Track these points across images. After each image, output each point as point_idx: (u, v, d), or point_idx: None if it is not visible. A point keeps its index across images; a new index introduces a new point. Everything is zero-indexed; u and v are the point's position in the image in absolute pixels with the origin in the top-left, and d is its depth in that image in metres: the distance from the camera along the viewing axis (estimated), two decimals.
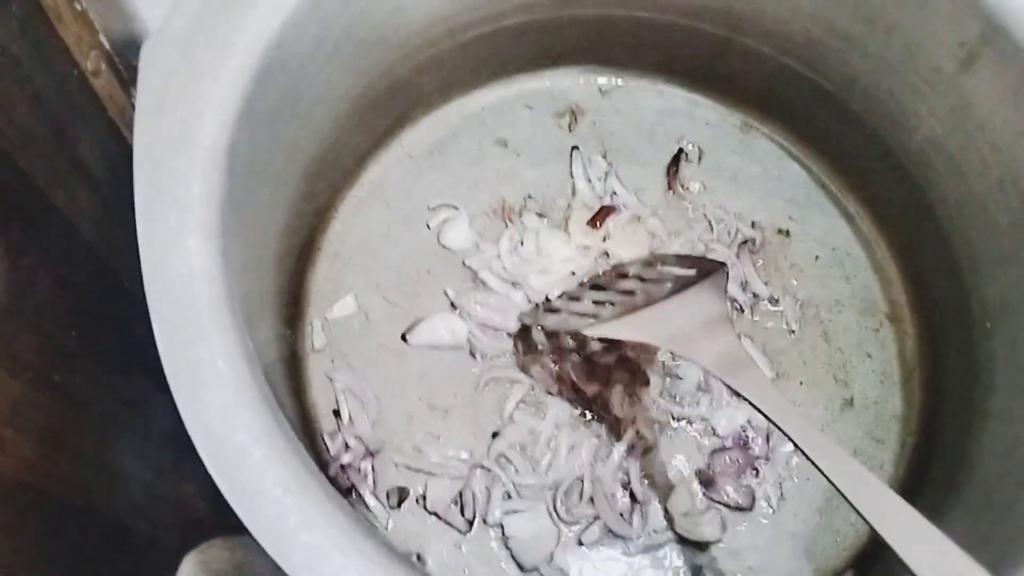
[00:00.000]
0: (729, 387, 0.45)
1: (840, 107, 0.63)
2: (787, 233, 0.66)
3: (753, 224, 0.66)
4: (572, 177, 0.66)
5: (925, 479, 0.58)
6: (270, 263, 0.54)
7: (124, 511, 0.71)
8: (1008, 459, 0.49)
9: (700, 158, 0.68)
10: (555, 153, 0.68)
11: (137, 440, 0.73)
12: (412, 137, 0.67)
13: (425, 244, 0.64)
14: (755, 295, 0.63)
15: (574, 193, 0.66)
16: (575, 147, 0.67)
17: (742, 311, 0.63)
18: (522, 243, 0.63)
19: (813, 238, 0.66)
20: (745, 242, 0.65)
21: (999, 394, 0.53)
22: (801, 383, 0.62)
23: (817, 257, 0.65)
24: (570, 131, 0.69)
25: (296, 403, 0.58)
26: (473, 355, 0.61)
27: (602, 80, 0.70)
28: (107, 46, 0.61)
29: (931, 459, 0.58)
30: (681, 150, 0.68)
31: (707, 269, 0.53)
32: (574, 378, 0.59)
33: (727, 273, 0.53)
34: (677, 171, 0.67)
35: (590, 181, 0.66)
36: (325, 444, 0.59)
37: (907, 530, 0.36)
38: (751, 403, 0.43)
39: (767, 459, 0.59)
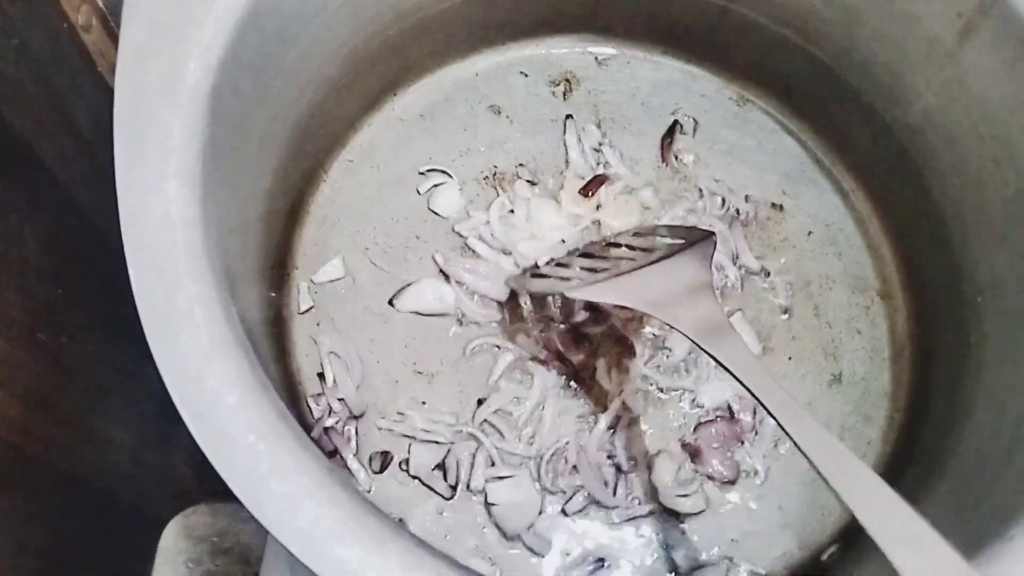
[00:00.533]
0: (708, 354, 0.44)
1: (837, 80, 0.62)
2: (780, 208, 0.65)
3: (746, 198, 0.65)
4: (565, 146, 0.66)
5: (912, 455, 0.57)
6: (255, 222, 0.53)
7: (110, 476, 0.71)
8: (995, 435, 0.49)
9: (695, 130, 0.67)
10: (549, 121, 0.67)
11: (125, 406, 0.73)
12: (404, 101, 0.66)
13: (414, 209, 0.63)
14: (746, 269, 0.63)
15: (567, 162, 0.65)
16: (569, 115, 0.67)
17: (732, 285, 0.62)
18: (512, 210, 0.63)
19: (806, 213, 0.65)
20: (737, 215, 0.64)
21: (989, 370, 0.53)
22: (790, 358, 0.61)
23: (810, 232, 0.65)
24: (564, 100, 0.68)
25: (281, 366, 0.58)
26: (460, 322, 0.60)
27: (598, 49, 0.69)
28: (99, 2, 0.60)
29: (918, 436, 0.58)
30: (676, 122, 0.67)
31: (695, 238, 0.52)
32: (559, 346, 0.58)
33: (714, 243, 0.52)
34: (671, 142, 0.66)
35: (583, 150, 0.65)
36: (309, 407, 0.58)
37: (882, 511, 0.35)
38: (729, 371, 0.43)
39: (755, 432, 0.58)
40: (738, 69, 0.68)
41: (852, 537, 0.56)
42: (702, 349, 0.44)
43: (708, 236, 0.52)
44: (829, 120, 0.66)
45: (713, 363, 0.57)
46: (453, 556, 0.51)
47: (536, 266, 0.60)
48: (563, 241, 0.61)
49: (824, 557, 0.56)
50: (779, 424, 0.40)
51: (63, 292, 0.62)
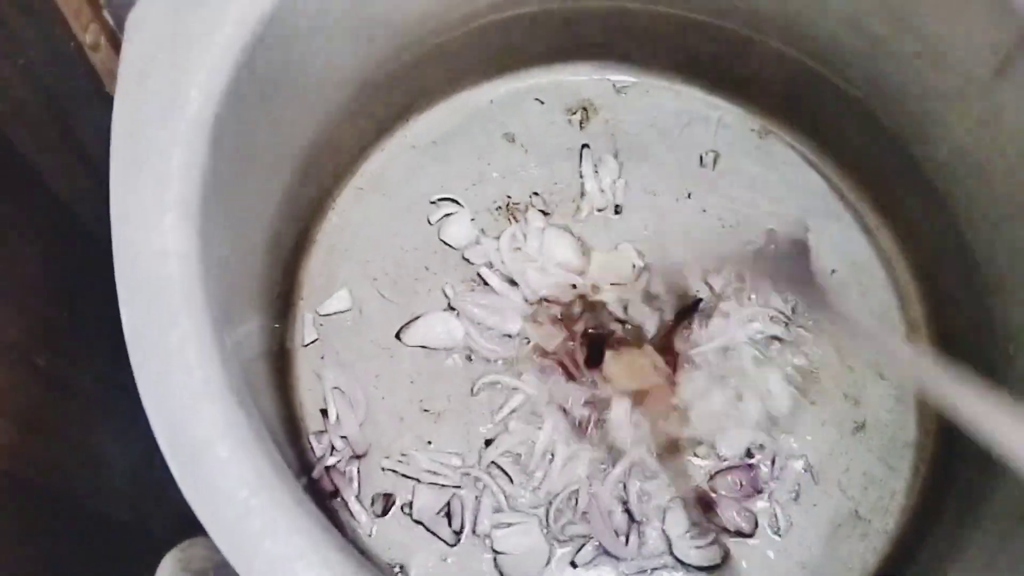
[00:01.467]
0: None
1: (864, 114, 0.60)
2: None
3: (770, 233, 0.63)
4: (581, 176, 0.64)
5: (940, 511, 0.55)
6: (259, 251, 0.51)
7: (108, 500, 0.69)
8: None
9: (715, 162, 0.65)
10: (565, 151, 0.65)
11: (124, 427, 0.71)
12: (417, 128, 0.65)
13: (425, 239, 0.62)
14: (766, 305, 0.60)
15: (583, 193, 0.63)
16: (585, 145, 0.65)
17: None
18: (525, 238, 0.61)
19: (830, 250, 0.63)
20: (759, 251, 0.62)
21: None
22: (812, 402, 0.59)
23: (833, 271, 0.62)
24: (581, 128, 0.66)
25: (282, 400, 0.56)
26: (469, 358, 0.58)
27: (617, 77, 0.67)
28: (110, 21, 0.59)
29: (946, 491, 0.55)
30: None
31: None
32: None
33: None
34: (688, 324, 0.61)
35: (600, 182, 0.63)
36: (310, 444, 0.56)
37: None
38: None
39: (774, 480, 0.56)
40: (761, 100, 0.66)
41: None
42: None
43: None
44: (855, 154, 0.63)
45: (732, 412, 0.55)
46: None
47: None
48: (574, 287, 0.59)
49: None
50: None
51: (65, 312, 0.61)
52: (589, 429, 0.56)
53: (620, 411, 0.55)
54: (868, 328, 0.41)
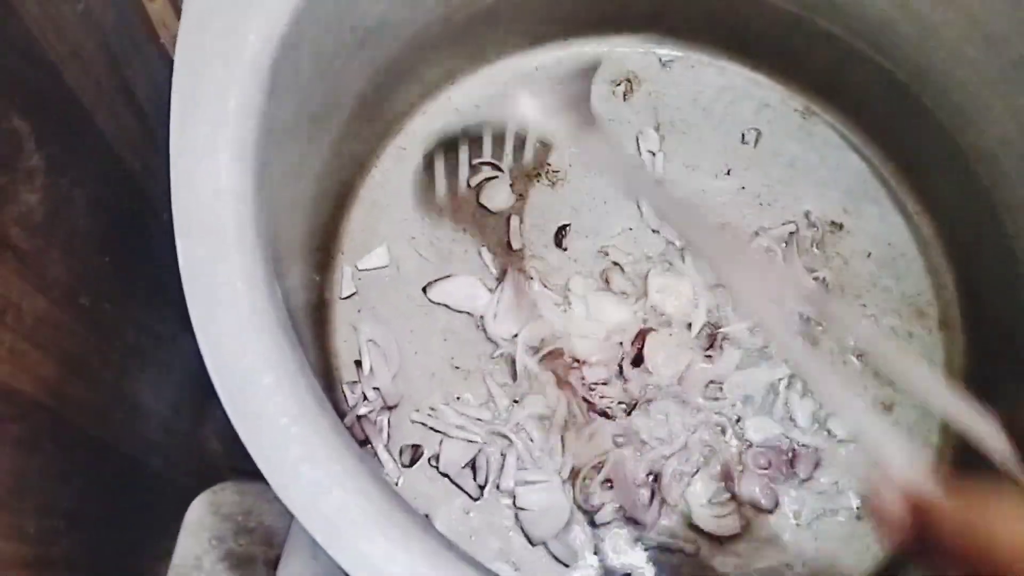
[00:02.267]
0: None
1: (909, 98, 0.60)
2: (840, 226, 0.63)
3: (807, 215, 0.63)
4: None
5: None
6: (304, 202, 0.52)
7: (140, 445, 0.71)
8: None
9: (757, 140, 0.65)
10: (606, 121, 0.65)
11: (160, 375, 0.73)
12: (462, 90, 0.65)
13: (463, 202, 0.62)
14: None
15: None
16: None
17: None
18: (566, 309, 0.60)
19: (867, 233, 0.63)
20: (794, 232, 0.62)
21: None
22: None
23: (869, 254, 0.62)
24: (624, 100, 0.66)
25: (319, 350, 0.57)
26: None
27: (663, 51, 0.68)
28: None
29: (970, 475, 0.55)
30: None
31: None
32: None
33: None
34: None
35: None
36: (344, 394, 0.58)
37: None
38: None
39: (808, 479, 0.56)
40: (806, 80, 0.66)
41: None
42: None
43: None
44: (897, 138, 0.63)
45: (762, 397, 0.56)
46: (476, 558, 0.50)
47: None
48: (620, 344, 0.59)
49: None
50: None
51: (109, 258, 0.62)
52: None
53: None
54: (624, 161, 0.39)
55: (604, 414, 0.56)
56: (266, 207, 0.40)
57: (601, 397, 0.56)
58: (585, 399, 0.57)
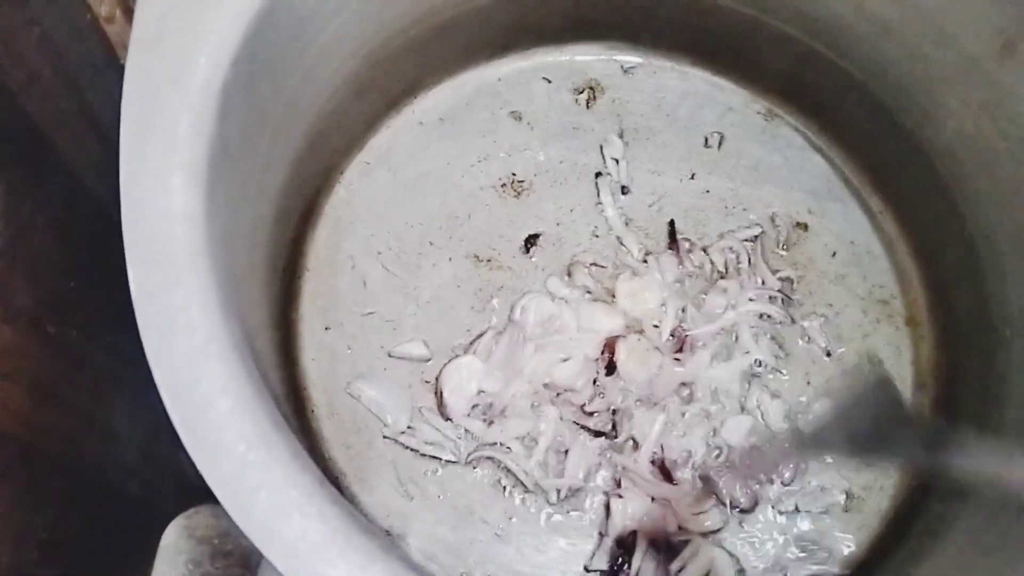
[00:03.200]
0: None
1: (868, 97, 0.60)
2: (805, 227, 0.63)
3: (772, 217, 0.63)
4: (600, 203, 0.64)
5: (930, 489, 0.55)
6: (266, 221, 0.52)
7: (115, 470, 0.70)
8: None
9: (720, 144, 0.66)
10: (570, 129, 0.66)
11: (134, 399, 0.72)
12: (424, 104, 0.65)
13: (429, 215, 0.62)
14: (763, 283, 0.61)
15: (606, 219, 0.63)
16: (599, 174, 0.64)
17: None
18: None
19: (832, 233, 0.63)
20: (759, 235, 0.62)
21: (1012, 406, 0.51)
22: (808, 382, 0.59)
23: (835, 253, 0.63)
24: (588, 108, 0.66)
25: (286, 370, 0.57)
26: None
27: (624, 58, 0.68)
28: None
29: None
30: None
31: None
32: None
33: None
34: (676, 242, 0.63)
35: (619, 208, 0.63)
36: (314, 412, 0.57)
37: None
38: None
39: (792, 479, 0.57)
40: (768, 83, 0.66)
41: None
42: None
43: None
44: (859, 138, 0.64)
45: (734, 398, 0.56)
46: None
47: None
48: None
49: None
50: None
51: (74, 283, 0.62)
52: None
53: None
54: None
55: (601, 434, 0.56)
56: (221, 229, 0.40)
57: (592, 414, 0.57)
58: (577, 423, 0.57)
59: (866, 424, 0.43)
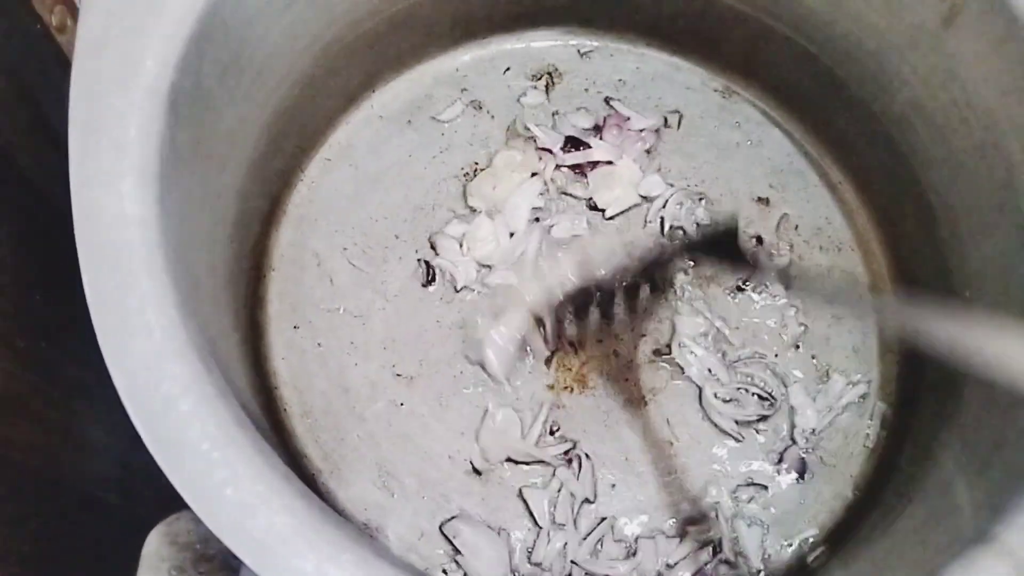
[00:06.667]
0: None
1: (823, 71, 0.61)
2: (767, 201, 0.64)
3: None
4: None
5: (903, 450, 0.56)
6: (226, 222, 0.52)
7: (94, 480, 0.70)
8: (983, 427, 0.48)
9: (680, 123, 0.66)
10: (530, 117, 0.66)
11: (108, 407, 0.71)
12: (383, 97, 0.65)
13: (394, 208, 0.62)
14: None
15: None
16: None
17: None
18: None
19: (793, 206, 0.64)
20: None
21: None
22: (776, 354, 0.60)
23: (797, 226, 0.63)
24: (547, 93, 0.67)
25: (255, 370, 0.57)
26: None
27: (581, 42, 0.68)
28: (76, 1, 0.59)
29: (910, 430, 0.56)
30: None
31: None
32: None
33: None
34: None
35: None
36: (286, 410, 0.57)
37: None
38: None
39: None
40: (723, 60, 0.67)
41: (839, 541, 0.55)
42: None
43: None
44: (816, 111, 0.64)
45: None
46: None
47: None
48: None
49: (810, 560, 0.54)
50: None
51: (40, 296, 0.61)
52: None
53: None
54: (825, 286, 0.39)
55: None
56: (177, 232, 0.40)
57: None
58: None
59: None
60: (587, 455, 0.56)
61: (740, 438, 0.57)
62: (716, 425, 0.57)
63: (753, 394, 0.58)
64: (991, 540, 0.37)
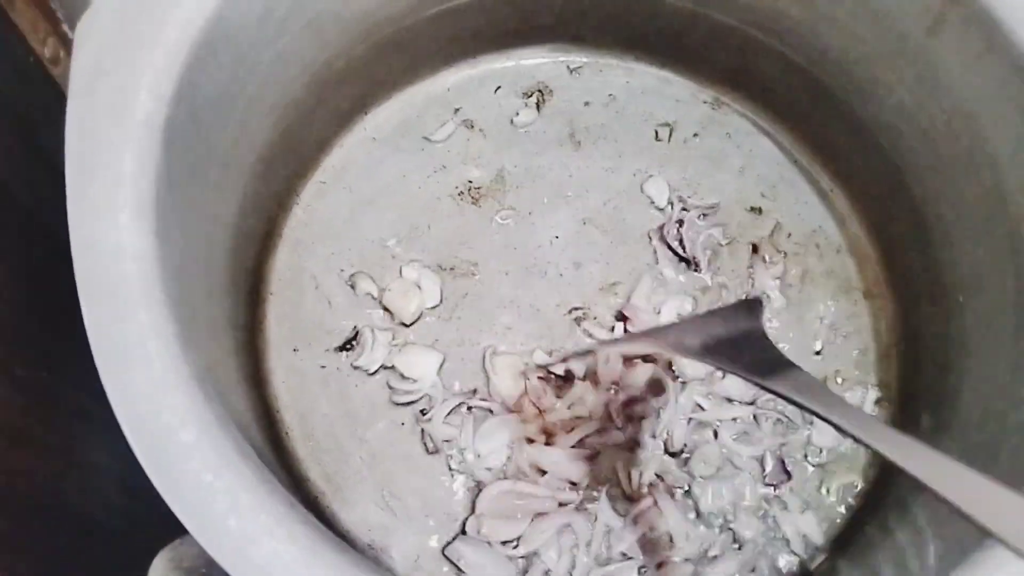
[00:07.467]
0: (766, 388, 0.41)
1: (810, 80, 0.61)
2: (759, 211, 0.64)
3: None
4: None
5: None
6: (223, 248, 0.52)
7: (97, 506, 0.70)
8: (981, 431, 0.48)
9: (670, 136, 0.66)
10: (522, 133, 0.66)
11: (111, 435, 0.71)
12: (376, 120, 0.66)
13: (389, 229, 0.63)
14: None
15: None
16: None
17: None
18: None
19: (785, 215, 0.64)
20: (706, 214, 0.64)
21: (971, 369, 0.52)
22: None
23: (790, 235, 0.64)
24: (538, 110, 0.67)
25: (256, 394, 0.57)
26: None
27: (570, 58, 0.69)
28: (69, 34, 0.60)
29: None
30: None
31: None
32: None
33: (762, 302, 0.51)
34: None
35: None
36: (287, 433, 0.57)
37: (962, 485, 0.34)
38: (798, 404, 0.40)
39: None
40: (712, 73, 0.67)
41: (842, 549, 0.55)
42: (761, 387, 0.42)
43: (755, 298, 0.51)
44: (805, 120, 0.65)
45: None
46: None
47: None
48: None
49: (813, 567, 0.55)
50: (860, 441, 0.38)
51: (39, 325, 0.62)
52: None
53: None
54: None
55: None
56: (174, 261, 0.40)
57: None
58: None
59: (721, 330, 0.45)
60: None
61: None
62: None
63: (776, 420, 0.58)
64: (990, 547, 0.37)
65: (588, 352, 0.56)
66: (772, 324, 0.61)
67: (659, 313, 0.60)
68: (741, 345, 0.45)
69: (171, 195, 0.42)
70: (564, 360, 0.57)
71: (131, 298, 0.37)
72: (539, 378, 0.57)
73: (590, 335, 0.60)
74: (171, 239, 0.41)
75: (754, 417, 0.58)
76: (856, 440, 0.37)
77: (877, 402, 0.60)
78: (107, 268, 0.37)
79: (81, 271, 0.37)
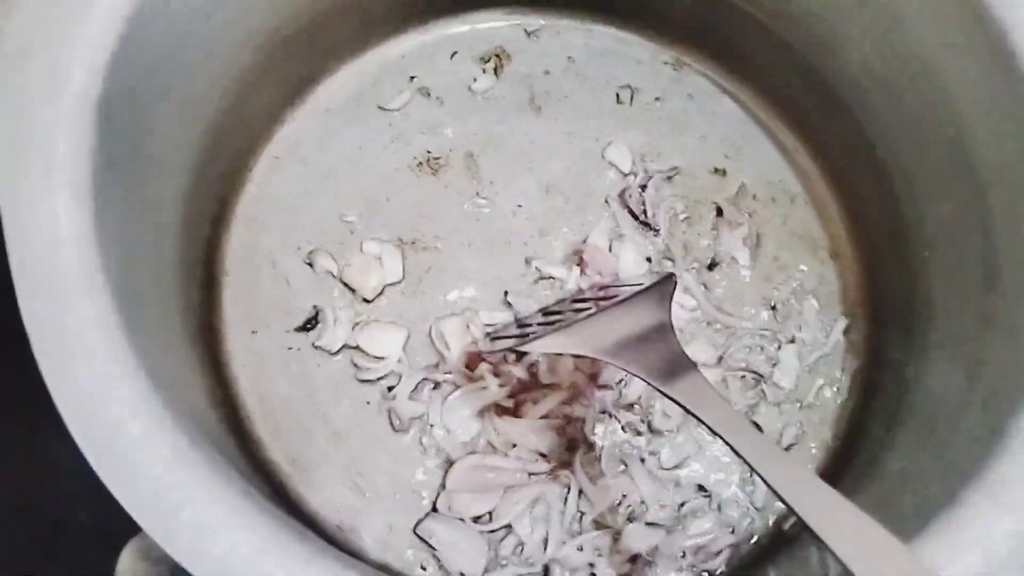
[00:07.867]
0: (668, 397, 0.42)
1: (771, 37, 0.60)
2: (723, 172, 0.63)
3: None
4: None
5: (871, 411, 0.57)
6: (170, 231, 0.50)
7: (62, 501, 0.68)
8: (945, 394, 0.48)
9: (633, 99, 0.65)
10: (481, 100, 0.64)
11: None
12: (329, 90, 0.63)
13: (347, 203, 0.61)
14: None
15: None
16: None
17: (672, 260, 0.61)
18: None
19: (750, 175, 0.63)
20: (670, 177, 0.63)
21: (937, 327, 0.52)
22: (746, 324, 0.60)
23: (755, 196, 0.63)
24: (496, 76, 0.65)
25: (214, 379, 0.55)
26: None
27: (527, 20, 0.67)
28: None
29: (877, 391, 0.57)
30: None
31: (655, 281, 0.50)
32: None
33: (674, 283, 0.50)
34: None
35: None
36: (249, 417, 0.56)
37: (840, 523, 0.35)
38: (689, 411, 0.41)
39: None
40: (672, 33, 0.66)
41: None
42: (661, 392, 0.42)
43: (668, 277, 0.50)
44: (767, 78, 0.64)
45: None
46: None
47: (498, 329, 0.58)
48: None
49: (787, 527, 0.55)
50: (748, 464, 0.38)
51: None
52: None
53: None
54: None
55: None
56: (116, 246, 0.39)
57: None
58: None
59: (631, 328, 0.46)
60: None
61: None
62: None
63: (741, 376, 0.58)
64: (962, 503, 0.37)
65: (507, 349, 0.55)
66: (738, 285, 0.60)
67: (618, 258, 0.59)
68: (648, 343, 0.46)
69: (111, 177, 0.40)
70: (491, 353, 0.56)
71: (70, 286, 0.35)
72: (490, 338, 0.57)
73: (541, 274, 0.59)
74: (113, 223, 0.39)
75: (723, 380, 0.58)
76: (739, 457, 0.38)
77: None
78: (43, 255, 0.35)
79: (16, 259, 0.35)
